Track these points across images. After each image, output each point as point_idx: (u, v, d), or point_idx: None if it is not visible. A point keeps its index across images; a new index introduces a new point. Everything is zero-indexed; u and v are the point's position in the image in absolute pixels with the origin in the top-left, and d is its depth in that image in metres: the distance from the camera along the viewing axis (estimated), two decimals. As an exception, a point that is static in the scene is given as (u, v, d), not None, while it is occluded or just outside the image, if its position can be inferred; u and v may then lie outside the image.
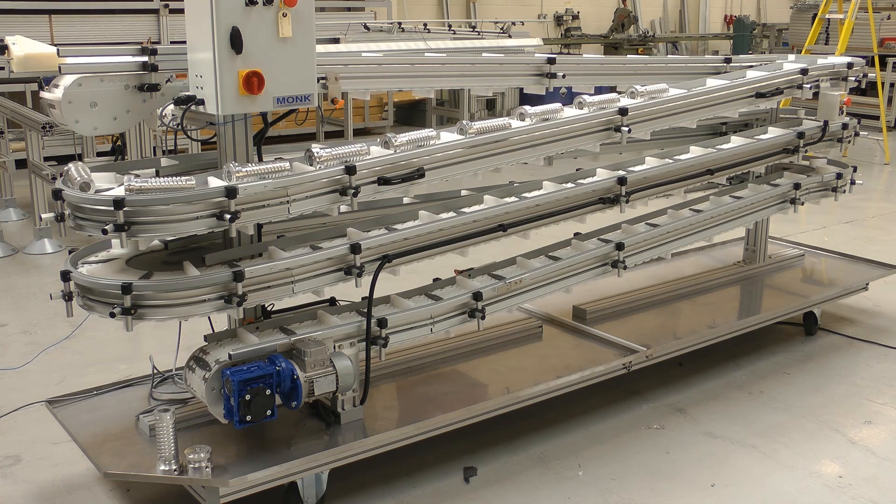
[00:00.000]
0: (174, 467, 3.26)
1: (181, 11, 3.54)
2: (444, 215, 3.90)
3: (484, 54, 4.52)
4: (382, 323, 3.58)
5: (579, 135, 4.09)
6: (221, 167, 3.34)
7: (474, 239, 3.90)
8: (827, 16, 11.77)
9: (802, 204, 5.15)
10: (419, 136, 3.64)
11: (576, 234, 4.45)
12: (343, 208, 3.56)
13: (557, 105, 4.07)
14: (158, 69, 3.52)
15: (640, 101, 4.25)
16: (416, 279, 4.05)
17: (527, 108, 4.00)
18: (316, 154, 3.35)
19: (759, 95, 4.74)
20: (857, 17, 11.29)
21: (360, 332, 3.57)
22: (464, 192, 4.26)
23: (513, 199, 4.07)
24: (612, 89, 4.57)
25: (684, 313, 5.09)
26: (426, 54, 4.38)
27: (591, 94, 4.26)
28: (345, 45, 4.46)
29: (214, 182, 3.22)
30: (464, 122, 3.79)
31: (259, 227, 3.58)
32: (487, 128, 3.79)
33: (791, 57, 5.54)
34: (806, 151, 5.04)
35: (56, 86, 3.44)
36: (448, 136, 3.77)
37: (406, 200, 4.23)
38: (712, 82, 4.67)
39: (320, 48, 3.79)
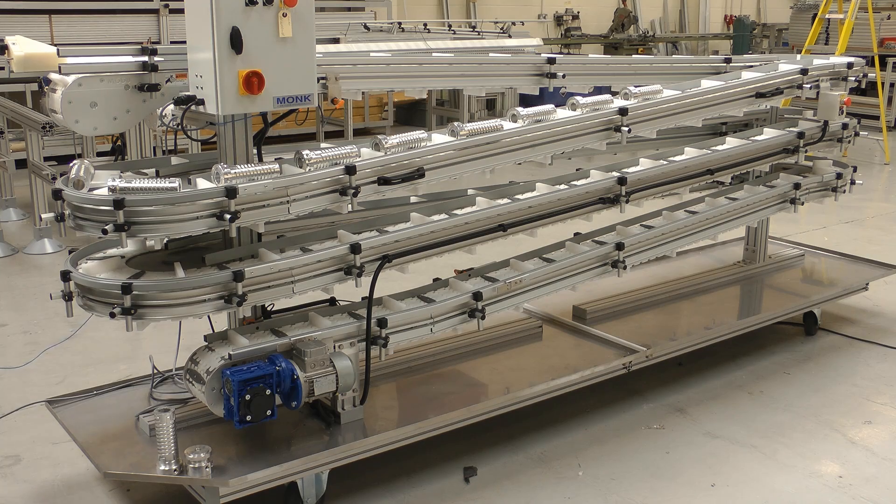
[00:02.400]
0: (174, 467, 3.26)
1: (181, 11, 3.54)
2: (435, 217, 3.90)
3: (491, 54, 4.51)
4: (382, 323, 3.58)
5: (575, 135, 4.09)
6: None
7: (474, 239, 3.90)
8: (827, 16, 11.77)
9: (802, 204, 5.15)
10: (410, 138, 3.64)
11: (575, 234, 4.45)
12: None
13: (550, 106, 4.07)
14: (158, 69, 3.52)
15: (635, 103, 4.25)
16: (417, 279, 4.05)
17: (519, 109, 3.99)
18: (305, 157, 3.36)
19: (760, 95, 4.74)
20: (857, 17, 11.29)
21: (359, 332, 3.58)
22: (470, 191, 4.26)
23: (506, 200, 4.07)
24: (610, 90, 4.57)
25: (684, 313, 5.09)
26: (424, 54, 4.38)
27: (583, 95, 4.26)
28: (345, 45, 4.46)
29: (203, 184, 3.22)
30: (455, 123, 3.79)
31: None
32: (479, 129, 3.78)
33: (798, 57, 5.54)
34: (806, 151, 5.04)
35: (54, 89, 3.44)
36: (439, 137, 3.77)
37: (413, 199, 4.23)
38: (707, 83, 4.66)
39: (320, 48, 3.79)
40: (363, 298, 3.62)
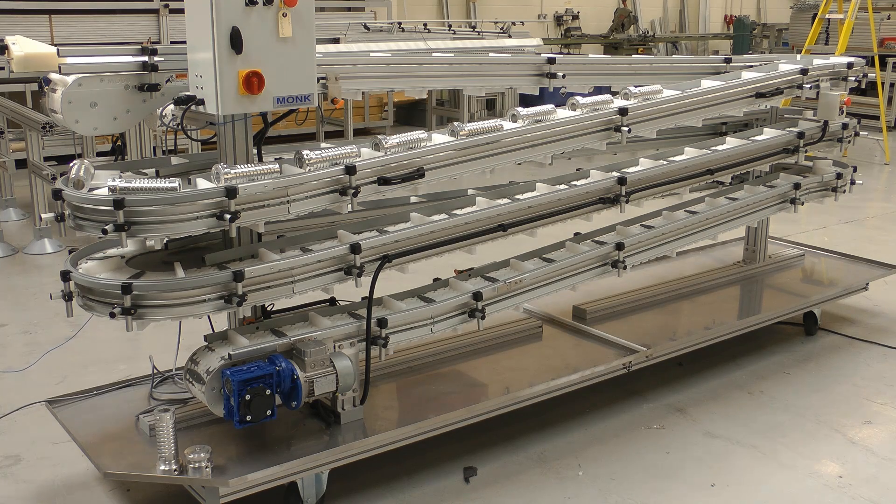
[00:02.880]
0: (174, 467, 3.25)
1: (181, 11, 3.54)
2: (435, 217, 3.90)
3: (491, 55, 4.51)
4: (382, 323, 3.58)
5: (575, 135, 4.09)
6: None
7: (474, 239, 3.90)
8: (827, 16, 11.77)
9: (802, 204, 5.15)
10: (410, 138, 3.64)
11: (576, 234, 4.45)
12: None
13: (550, 106, 4.07)
14: (158, 69, 3.52)
15: (635, 103, 4.25)
16: (417, 279, 4.04)
17: (519, 109, 3.99)
18: (305, 157, 3.36)
19: (760, 95, 4.74)
20: (857, 17, 11.29)
21: (359, 332, 3.58)
22: (470, 191, 4.26)
23: (506, 200, 4.07)
24: (610, 90, 4.57)
25: (684, 313, 5.09)
26: (424, 54, 4.38)
27: (583, 95, 4.26)
28: (345, 45, 4.46)
29: (203, 183, 3.22)
30: (455, 123, 3.79)
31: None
32: (479, 129, 3.78)
33: (798, 57, 5.54)
34: (806, 151, 5.04)
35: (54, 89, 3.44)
36: (439, 137, 3.77)
37: (413, 199, 4.23)
38: (707, 83, 4.66)
39: (320, 48, 3.79)
40: (363, 298, 3.62)
